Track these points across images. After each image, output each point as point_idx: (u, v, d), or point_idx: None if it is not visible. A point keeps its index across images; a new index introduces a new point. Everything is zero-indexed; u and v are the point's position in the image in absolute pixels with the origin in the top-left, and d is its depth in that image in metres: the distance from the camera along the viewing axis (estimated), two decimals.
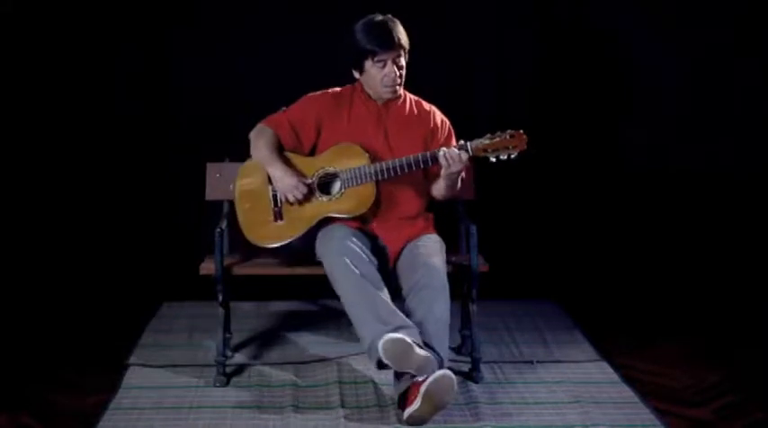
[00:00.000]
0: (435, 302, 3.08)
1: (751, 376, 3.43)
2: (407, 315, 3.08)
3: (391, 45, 3.21)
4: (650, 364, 3.57)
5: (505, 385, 3.37)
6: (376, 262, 3.20)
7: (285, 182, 3.26)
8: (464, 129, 3.43)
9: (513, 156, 3.18)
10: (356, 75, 3.34)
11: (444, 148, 3.19)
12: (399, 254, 3.27)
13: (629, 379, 3.41)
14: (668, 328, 4.04)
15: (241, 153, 3.42)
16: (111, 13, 4.60)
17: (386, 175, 3.23)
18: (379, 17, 3.26)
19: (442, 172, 3.22)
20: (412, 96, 3.44)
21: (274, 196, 3.31)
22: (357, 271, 3.07)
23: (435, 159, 3.20)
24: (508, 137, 3.17)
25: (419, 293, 3.10)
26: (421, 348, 2.94)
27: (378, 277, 3.12)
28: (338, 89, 3.41)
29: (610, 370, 3.53)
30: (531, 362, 3.60)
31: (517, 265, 4.49)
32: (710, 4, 4.62)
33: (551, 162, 4.79)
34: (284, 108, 3.39)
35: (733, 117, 4.74)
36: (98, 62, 4.66)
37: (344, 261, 3.08)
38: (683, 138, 4.78)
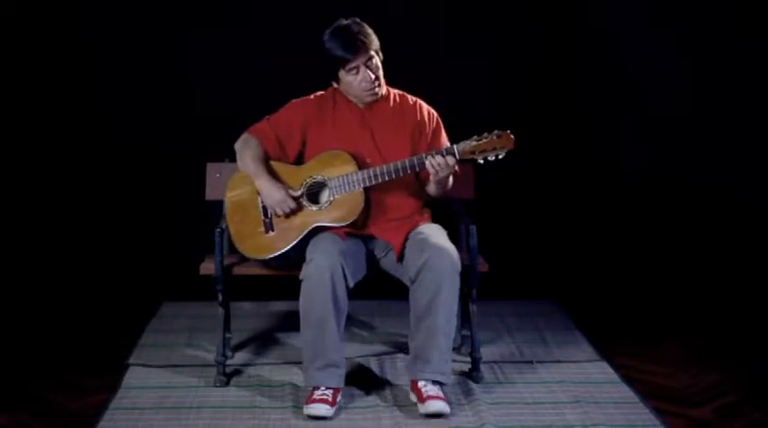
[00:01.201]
0: (442, 288, 3.03)
1: (751, 376, 3.44)
2: (412, 308, 3.08)
3: (357, 50, 3.12)
4: (650, 364, 3.58)
5: (505, 385, 3.37)
6: (364, 270, 3.21)
7: (273, 197, 3.19)
8: (463, 130, 3.41)
9: (500, 157, 3.11)
10: (334, 85, 3.27)
11: (430, 156, 3.11)
12: (403, 247, 3.21)
13: (629, 379, 3.41)
14: (668, 328, 4.04)
15: None
16: (111, 13, 4.61)
17: (374, 181, 3.17)
18: (343, 22, 3.18)
19: (431, 178, 3.18)
20: (395, 91, 3.35)
21: (264, 208, 3.25)
22: (330, 296, 3.03)
23: (423, 165, 3.14)
24: (495, 137, 3.10)
25: (426, 275, 3.03)
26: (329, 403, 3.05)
27: (345, 302, 3.10)
28: (321, 92, 3.34)
29: (610, 369, 3.52)
30: (531, 362, 3.60)
31: (517, 265, 4.49)
32: (711, 5, 4.62)
33: (551, 162, 4.80)
34: (267, 118, 3.33)
35: (733, 118, 4.73)
36: (98, 62, 4.67)
37: (328, 281, 3.03)
38: (684, 138, 4.78)
